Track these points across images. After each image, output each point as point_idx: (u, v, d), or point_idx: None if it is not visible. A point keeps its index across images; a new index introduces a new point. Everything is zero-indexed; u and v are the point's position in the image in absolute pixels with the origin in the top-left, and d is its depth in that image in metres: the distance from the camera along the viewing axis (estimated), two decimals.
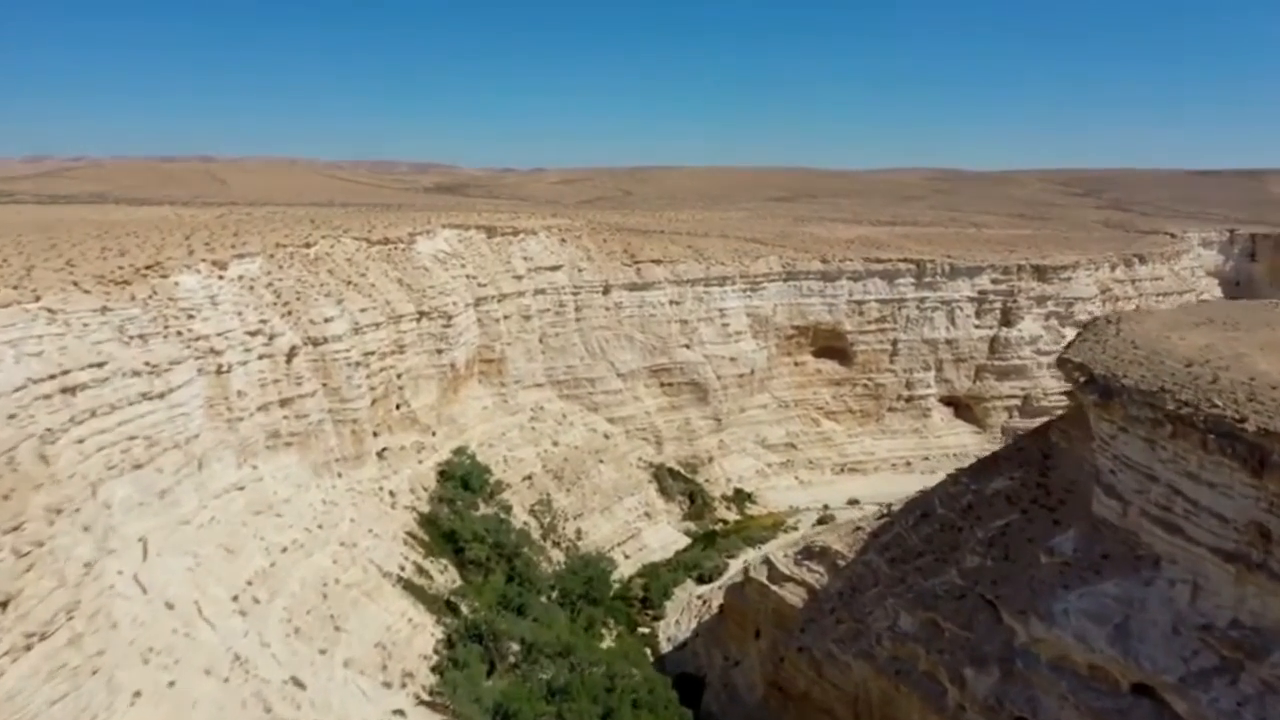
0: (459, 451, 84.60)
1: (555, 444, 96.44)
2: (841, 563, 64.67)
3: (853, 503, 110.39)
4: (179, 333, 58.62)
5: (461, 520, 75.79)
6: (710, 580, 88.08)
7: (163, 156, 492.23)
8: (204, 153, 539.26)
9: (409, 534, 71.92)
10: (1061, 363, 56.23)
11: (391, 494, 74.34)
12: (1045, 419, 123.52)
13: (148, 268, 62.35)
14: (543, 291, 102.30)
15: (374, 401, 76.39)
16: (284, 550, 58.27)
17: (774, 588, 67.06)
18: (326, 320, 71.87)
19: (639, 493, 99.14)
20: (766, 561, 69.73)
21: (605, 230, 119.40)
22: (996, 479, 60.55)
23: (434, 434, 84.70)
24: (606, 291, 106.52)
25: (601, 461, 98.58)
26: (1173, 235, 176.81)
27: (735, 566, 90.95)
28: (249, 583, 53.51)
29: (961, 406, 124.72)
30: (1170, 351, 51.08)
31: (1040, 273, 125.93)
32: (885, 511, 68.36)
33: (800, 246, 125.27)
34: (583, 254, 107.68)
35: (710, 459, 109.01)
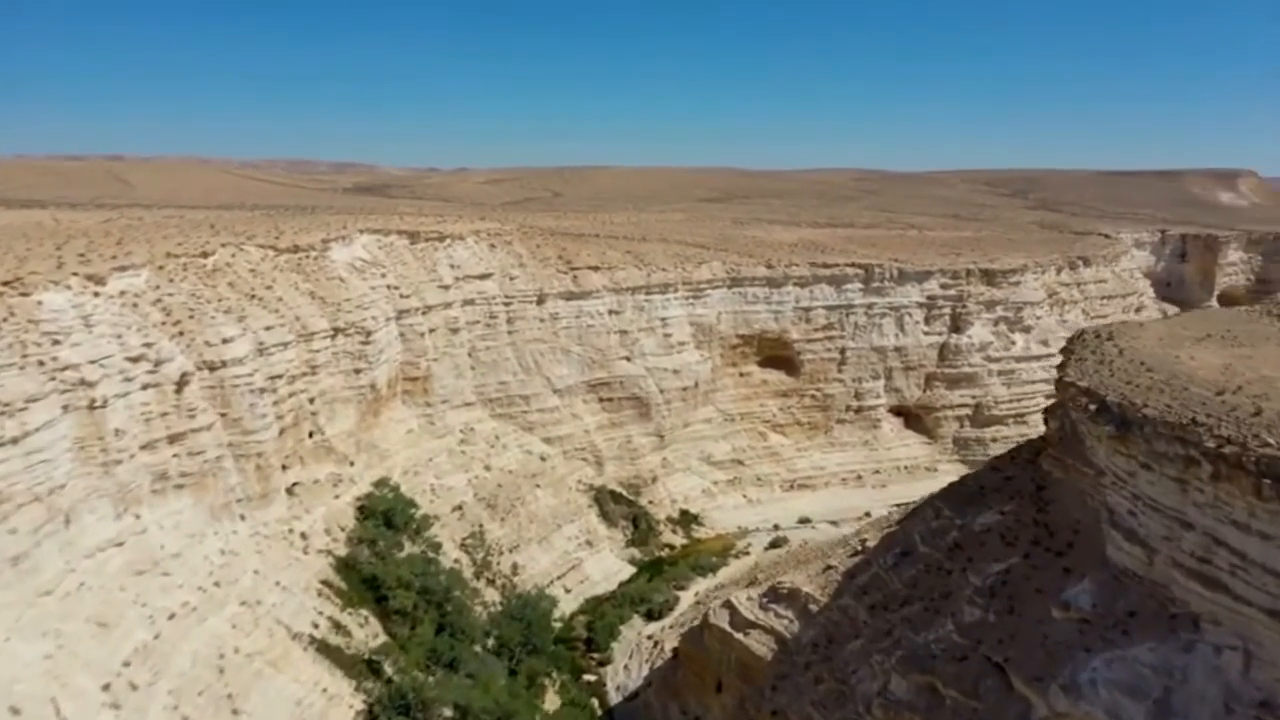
0: (381, 483, 76.10)
1: (487, 469, 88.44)
2: (814, 607, 58.17)
3: (804, 521, 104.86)
4: (40, 362, 49.46)
5: (384, 564, 67.46)
6: (660, 616, 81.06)
7: (69, 155, 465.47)
8: (115, 151, 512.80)
9: (324, 583, 63.39)
10: (1062, 386, 50.54)
11: (304, 536, 65.62)
12: (998, 428, 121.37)
13: (4, 284, 52.88)
14: (472, 302, 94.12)
15: (282, 431, 67.60)
16: (171, 617, 49.54)
17: (738, 635, 60.31)
18: (225, 341, 62.93)
19: (579, 519, 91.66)
20: (728, 605, 62.82)
21: (538, 234, 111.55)
22: (984, 513, 54.68)
23: (352, 464, 76.06)
24: (541, 301, 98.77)
25: (538, 486, 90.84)
26: (1107, 236, 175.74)
27: (686, 600, 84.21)
28: (126, 664, 44.76)
29: (911, 417, 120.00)
30: (1190, 375, 45.64)
31: (989, 277, 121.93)
32: (859, 547, 62.05)
33: (743, 251, 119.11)
34: (515, 261, 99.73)
35: (654, 479, 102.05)
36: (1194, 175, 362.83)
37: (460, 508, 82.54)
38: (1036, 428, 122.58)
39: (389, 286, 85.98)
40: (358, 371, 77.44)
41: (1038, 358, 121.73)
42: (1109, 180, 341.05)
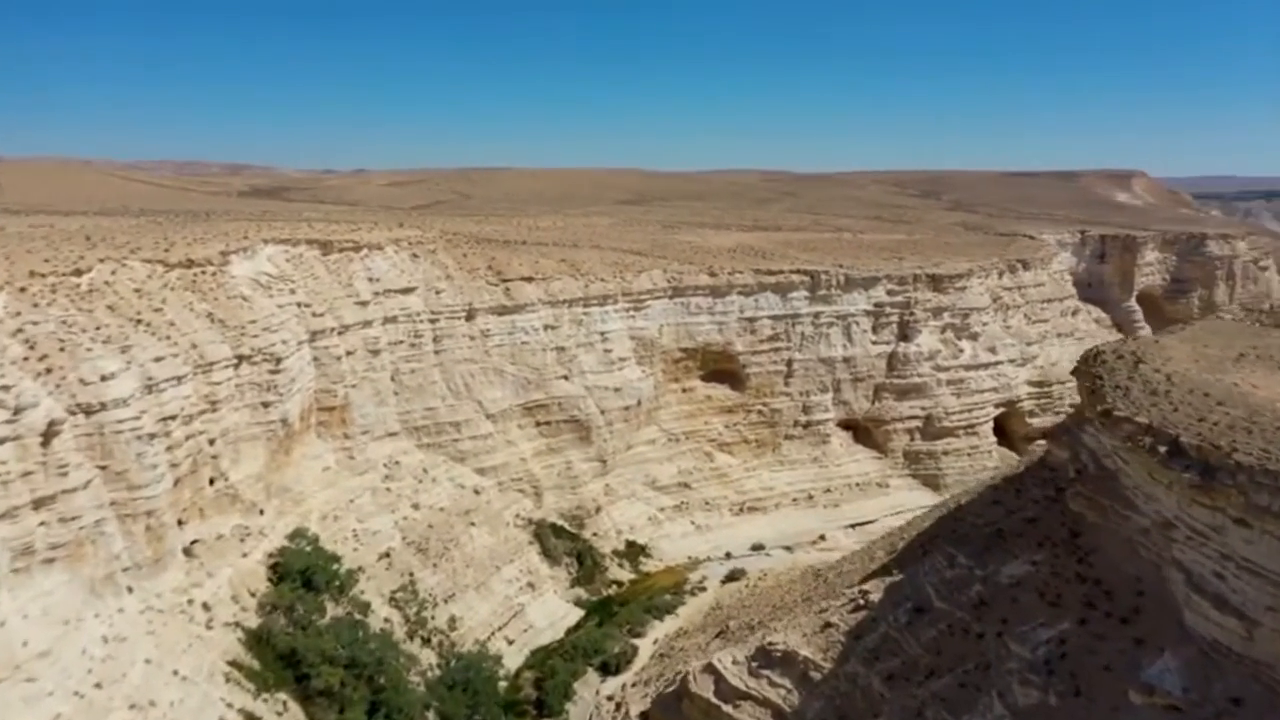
0: (297, 534, 65.95)
1: (416, 507, 78.74)
2: (816, 675, 50.65)
3: (757, 548, 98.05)
4: None
5: (304, 634, 57.62)
6: (618, 670, 72.65)
7: None
8: None
9: (233, 664, 53.31)
10: (1114, 421, 43.98)
11: (206, 608, 55.32)
12: (948, 440, 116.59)
13: None
14: (394, 319, 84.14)
15: (178, 481, 57.19)
16: None
17: (725, 708, 52.50)
18: (105, 378, 52.32)
19: (519, 558, 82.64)
20: (711, 670, 54.85)
21: (464, 242, 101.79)
22: (1010, 562, 48.04)
23: (262, 512, 65.70)
24: (470, 317, 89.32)
25: (473, 524, 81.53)
26: (1032, 238, 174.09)
27: (645, 649, 76.04)
28: None
29: (860, 430, 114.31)
30: (1268, 407, 39.63)
31: (935, 282, 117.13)
32: (859, 600, 54.65)
33: (681, 257, 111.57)
34: (440, 272, 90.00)
35: (597, 508, 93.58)
36: (1090, 176, 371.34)
37: (388, 555, 72.75)
38: (987, 439, 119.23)
39: (300, 304, 75.54)
40: (267, 405, 67.05)
41: (985, 365, 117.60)
42: (1013, 181, 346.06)
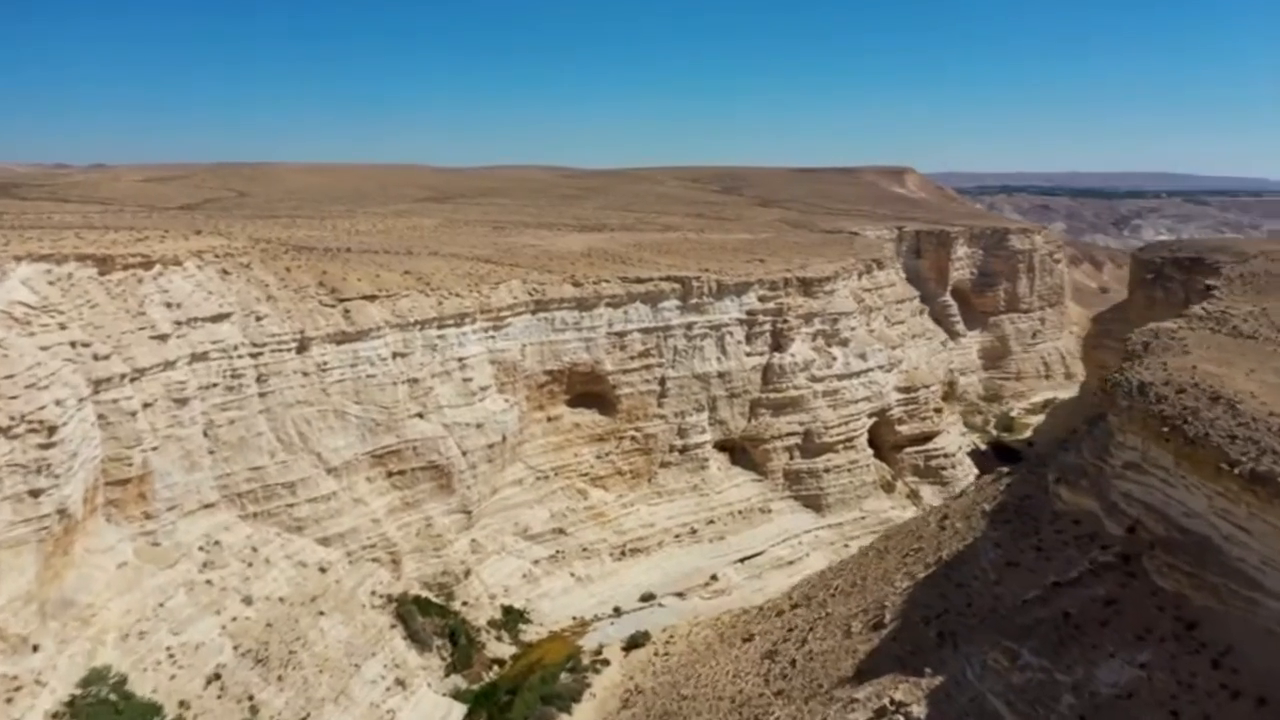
0: (91, 678, 46.91)
1: (248, 601, 60.47)
2: None
3: (648, 599, 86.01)
4: None
5: None
6: None
7: None
8: None
9: None
10: (1217, 474, 34.50)
11: None
12: (828, 456, 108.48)
13: None
14: (203, 356, 64.87)
15: None
16: None
17: None
18: None
19: (382, 650, 65.98)
20: None
21: (283, 252, 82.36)
22: (1104, 664, 37.85)
23: (36, 648, 46.23)
24: (303, 348, 71.13)
25: (322, 613, 64.12)
26: (855, 234, 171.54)
27: None
28: None
29: (738, 451, 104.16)
30: None
31: (806, 287, 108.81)
32: (886, 708, 43.01)
33: (539, 265, 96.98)
34: (259, 292, 71.01)
35: (465, 571, 77.88)
36: (868, 171, 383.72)
37: (218, 677, 54.55)
38: (865, 453, 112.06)
39: (75, 345, 55.41)
40: (36, 494, 47.50)
41: (857, 374, 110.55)
42: (804, 177, 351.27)
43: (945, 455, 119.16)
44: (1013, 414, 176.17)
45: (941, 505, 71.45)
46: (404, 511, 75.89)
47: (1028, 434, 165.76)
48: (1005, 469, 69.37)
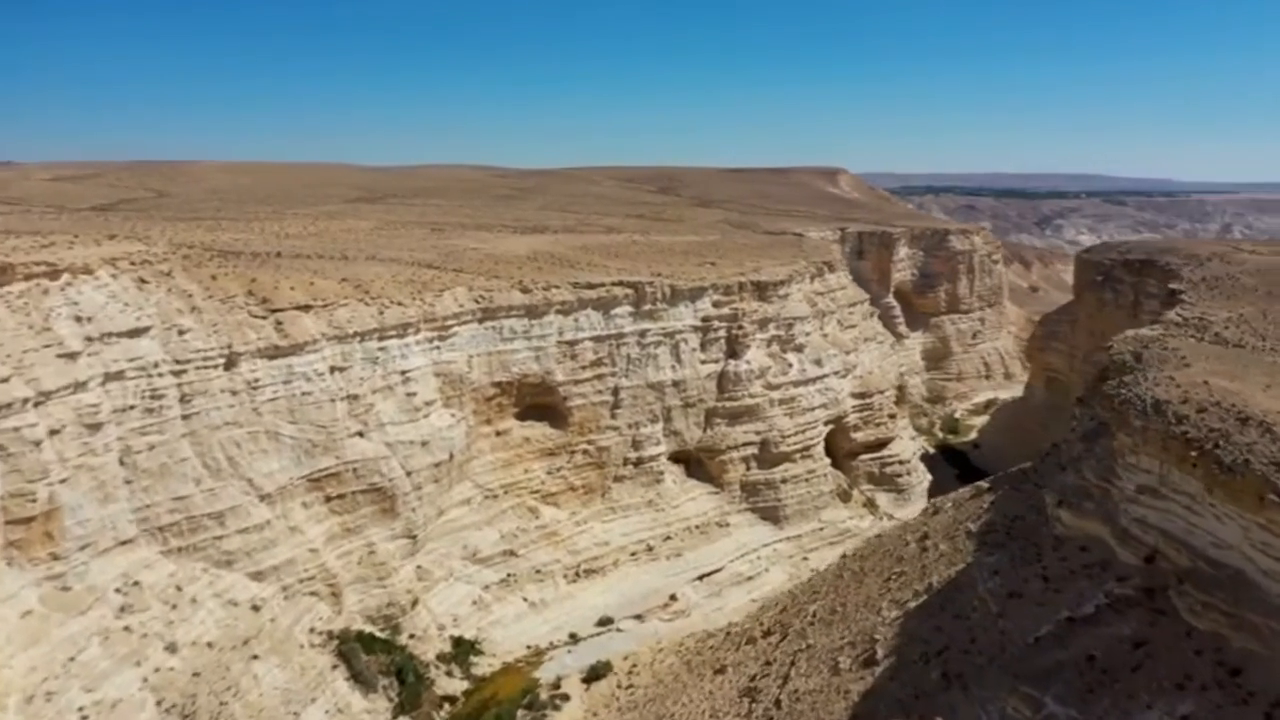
0: None
1: (172, 649, 54.42)
2: None
3: (605, 623, 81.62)
4: None
5: None
6: None
7: None
8: None
9: None
10: (1255, 501, 31.41)
11: None
12: (786, 466, 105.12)
13: None
14: (119, 376, 58.41)
15: None
16: None
17: None
18: None
19: (323, 693, 60.50)
20: None
21: (207, 258, 75.67)
22: (1139, 714, 34.45)
23: None
24: (231, 364, 64.91)
25: (255, 657, 58.33)
26: (799, 235, 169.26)
27: None
28: None
29: (693, 463, 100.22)
30: None
31: (760, 291, 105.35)
32: None
33: (484, 270, 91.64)
34: (182, 303, 64.53)
35: (412, 601, 72.39)
36: (800, 172, 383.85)
37: None
38: (822, 462, 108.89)
39: None
40: None
41: (813, 380, 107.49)
42: (740, 177, 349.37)
43: (900, 462, 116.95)
44: (957, 415, 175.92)
45: (918, 522, 68.26)
46: (344, 539, 70.12)
47: (973, 436, 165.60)
48: (984, 484, 66.41)
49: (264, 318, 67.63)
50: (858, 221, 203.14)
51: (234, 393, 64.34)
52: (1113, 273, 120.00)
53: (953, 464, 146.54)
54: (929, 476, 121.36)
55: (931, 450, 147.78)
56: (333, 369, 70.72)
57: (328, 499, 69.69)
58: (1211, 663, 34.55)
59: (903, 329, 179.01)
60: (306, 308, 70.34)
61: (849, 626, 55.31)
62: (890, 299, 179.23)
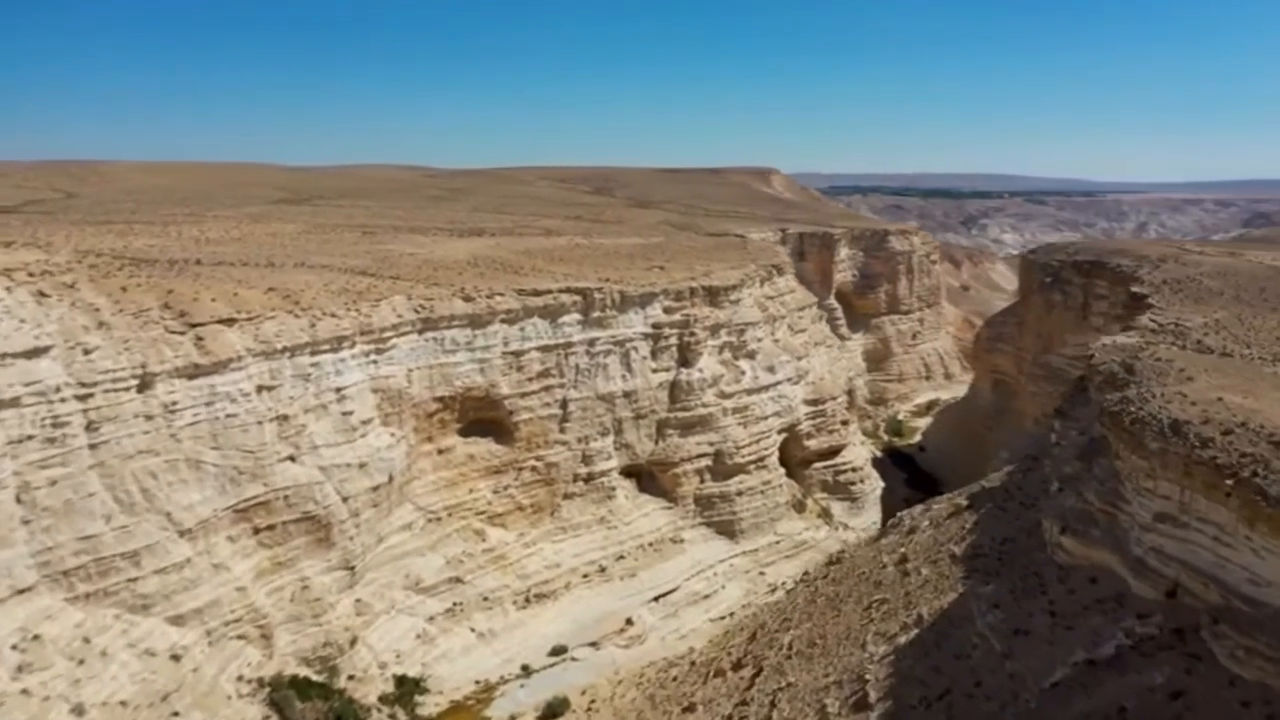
0: None
1: (78, 712, 48.23)
2: None
3: (559, 653, 76.77)
4: None
5: None
6: None
7: None
8: None
9: None
10: None
11: None
12: (741, 478, 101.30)
13: None
14: (15, 403, 51.73)
15: None
16: None
17: None
18: None
19: None
20: None
21: (119, 268, 68.70)
22: None
23: None
24: (145, 386, 58.46)
25: (176, 715, 52.31)
26: (741, 236, 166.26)
27: None
28: None
29: (646, 477, 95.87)
30: None
31: (712, 296, 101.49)
32: None
33: (423, 277, 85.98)
34: (88, 318, 57.86)
35: (351, 639, 66.65)
36: (734, 172, 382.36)
37: None
38: (777, 472, 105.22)
39: None
40: None
41: (766, 388, 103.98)
42: (675, 177, 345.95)
43: (854, 469, 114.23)
44: (900, 417, 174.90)
45: (893, 542, 64.79)
46: (275, 574, 64.08)
47: (917, 438, 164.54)
48: (963, 501, 63.25)
49: (182, 333, 61.19)
50: (796, 222, 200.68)
51: (149, 417, 57.91)
52: (1061, 274, 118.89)
53: (900, 467, 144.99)
54: (882, 483, 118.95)
55: (878, 454, 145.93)
56: (260, 388, 64.56)
57: (256, 531, 63.55)
58: (1261, 716, 31.28)
59: (844, 330, 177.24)
60: (230, 321, 64.03)
61: (832, 662, 51.43)
62: (832, 300, 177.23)
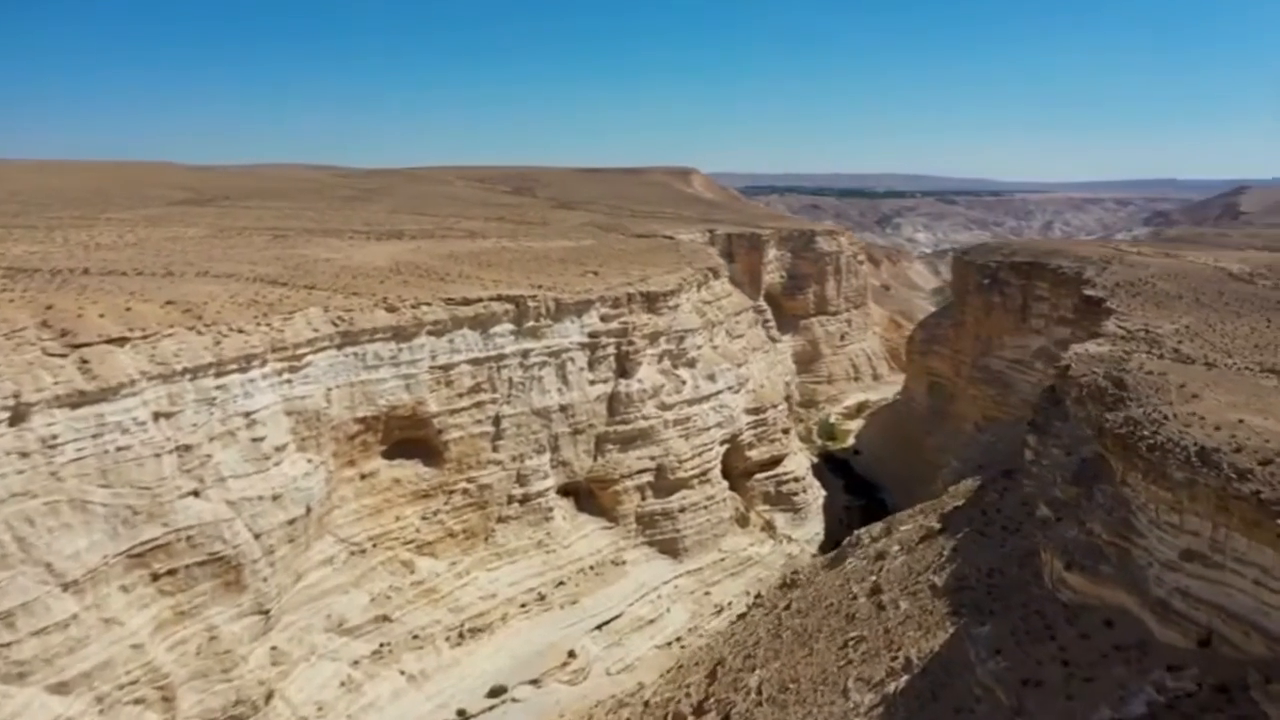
0: None
1: None
2: None
3: (498, 693, 70.87)
4: None
5: None
6: None
7: None
8: None
9: None
10: None
11: None
12: (683, 493, 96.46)
13: None
14: None
15: None
16: None
17: None
18: None
19: None
20: None
21: None
22: None
23: None
24: (19, 418, 50.55)
25: None
26: (670, 238, 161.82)
27: None
28: None
29: (584, 495, 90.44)
30: None
31: (650, 302, 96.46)
32: None
33: (340, 286, 78.86)
34: None
35: (266, 694, 59.57)
36: (655, 172, 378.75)
37: None
38: (720, 486, 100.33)
39: None
40: None
41: (707, 397, 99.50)
42: (595, 177, 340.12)
43: (796, 479, 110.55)
44: (832, 420, 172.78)
45: (860, 568, 60.58)
46: (177, 625, 56.66)
47: (850, 441, 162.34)
48: (935, 525, 59.32)
49: (64, 355, 53.37)
50: (723, 223, 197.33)
51: (24, 454, 50.08)
52: (999, 275, 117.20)
53: (835, 474, 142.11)
54: (823, 493, 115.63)
55: (815, 459, 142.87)
56: (157, 415, 57.01)
57: (155, 578, 56.01)
58: None
59: (774, 333, 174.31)
60: (121, 340, 56.34)
61: (810, 712, 46.70)
62: (761, 302, 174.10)
